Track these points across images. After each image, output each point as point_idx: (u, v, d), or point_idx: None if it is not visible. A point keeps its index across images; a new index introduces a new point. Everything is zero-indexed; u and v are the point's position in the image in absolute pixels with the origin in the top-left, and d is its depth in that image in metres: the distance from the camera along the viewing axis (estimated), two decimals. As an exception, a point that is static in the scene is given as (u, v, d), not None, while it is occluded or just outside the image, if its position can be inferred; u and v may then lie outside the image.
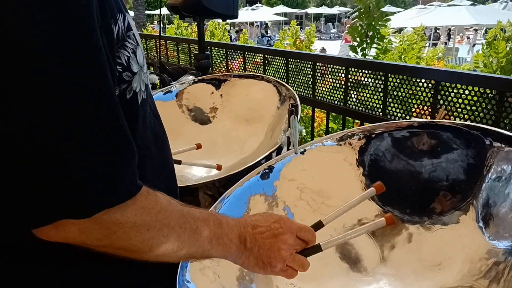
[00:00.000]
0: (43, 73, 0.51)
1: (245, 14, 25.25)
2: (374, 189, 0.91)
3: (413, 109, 1.81)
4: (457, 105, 1.62)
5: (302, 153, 1.31)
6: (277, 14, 30.47)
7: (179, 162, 1.52)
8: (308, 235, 0.84)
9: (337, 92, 2.19)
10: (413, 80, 1.79)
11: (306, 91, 2.40)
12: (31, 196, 0.54)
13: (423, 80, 1.75)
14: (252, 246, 0.78)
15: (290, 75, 2.51)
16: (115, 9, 0.66)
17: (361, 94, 2.05)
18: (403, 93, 1.84)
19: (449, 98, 1.65)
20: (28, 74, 0.51)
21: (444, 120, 1.39)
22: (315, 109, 2.49)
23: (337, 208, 0.91)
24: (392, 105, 1.91)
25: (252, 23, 27.97)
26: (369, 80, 2.01)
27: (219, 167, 1.62)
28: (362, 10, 3.03)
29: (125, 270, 0.74)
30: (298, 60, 2.45)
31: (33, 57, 0.51)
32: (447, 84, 1.65)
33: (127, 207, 0.59)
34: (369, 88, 2.00)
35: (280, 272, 0.81)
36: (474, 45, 18.50)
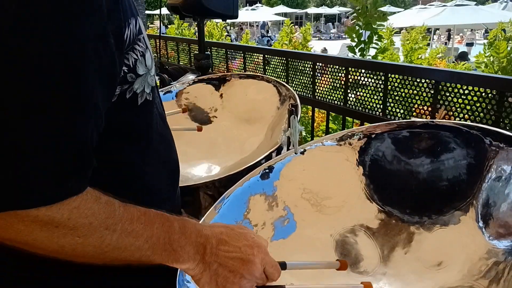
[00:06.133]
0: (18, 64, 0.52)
1: (245, 14, 25.26)
2: (339, 263, 0.92)
3: (413, 109, 1.81)
4: (457, 105, 1.62)
5: (302, 153, 1.31)
6: (277, 14, 30.46)
7: None
8: (276, 273, 0.76)
9: (337, 92, 2.19)
10: (413, 80, 1.79)
11: (306, 91, 2.40)
12: None
13: (423, 80, 1.75)
14: (211, 261, 0.70)
15: (290, 75, 2.51)
16: (128, 13, 0.67)
17: (361, 94, 2.05)
18: (403, 93, 1.84)
19: (449, 98, 1.65)
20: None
21: (444, 120, 1.39)
22: (315, 109, 2.50)
23: (304, 261, 0.96)
24: (392, 105, 1.91)
25: (251, 24, 27.98)
26: (369, 80, 2.01)
27: (199, 128, 1.66)
28: (359, 10, 3.03)
29: (122, 270, 0.74)
30: (298, 60, 2.45)
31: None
32: (447, 84, 1.65)
33: (44, 208, 0.55)
34: (369, 88, 2.00)
35: None
36: (472, 44, 18.47)
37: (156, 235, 0.66)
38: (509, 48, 3.62)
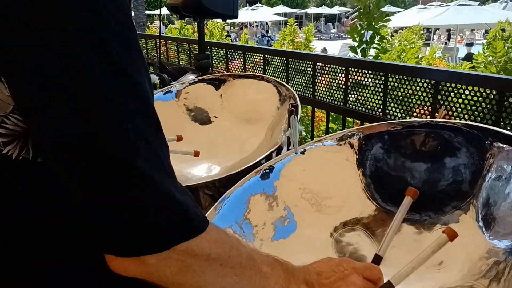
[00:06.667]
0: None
1: (245, 14, 25.25)
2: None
3: (413, 109, 1.81)
4: (457, 105, 1.62)
5: (302, 153, 1.31)
6: (277, 14, 30.47)
7: None
8: (375, 273, 0.79)
9: (337, 92, 2.19)
10: (413, 80, 1.79)
11: (306, 91, 2.40)
12: (119, 224, 0.52)
13: (423, 80, 1.75)
14: None
15: (290, 75, 2.51)
16: None
17: (361, 94, 2.05)
18: (403, 93, 1.84)
19: (449, 98, 1.65)
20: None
21: (444, 120, 1.39)
22: (315, 109, 2.50)
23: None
24: (392, 105, 1.91)
25: (251, 24, 27.96)
26: (369, 80, 2.01)
27: (196, 154, 1.64)
28: (362, 10, 3.03)
29: None
30: (298, 60, 2.45)
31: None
32: (447, 84, 1.65)
33: (202, 238, 0.57)
34: (369, 88, 2.00)
35: None
36: (472, 44, 18.47)
37: (279, 276, 0.69)
38: (506, 48, 3.62)
